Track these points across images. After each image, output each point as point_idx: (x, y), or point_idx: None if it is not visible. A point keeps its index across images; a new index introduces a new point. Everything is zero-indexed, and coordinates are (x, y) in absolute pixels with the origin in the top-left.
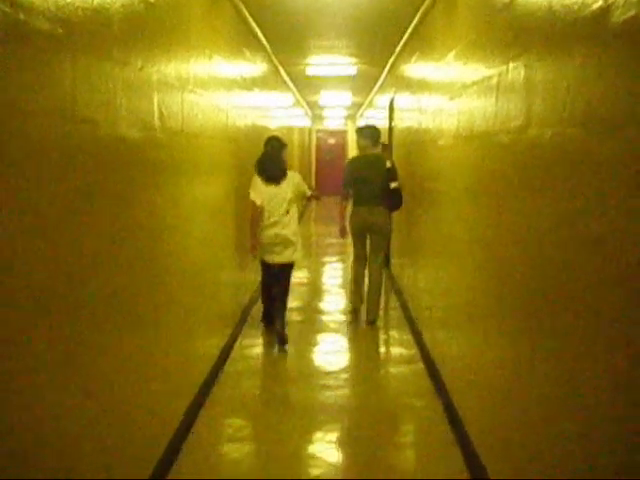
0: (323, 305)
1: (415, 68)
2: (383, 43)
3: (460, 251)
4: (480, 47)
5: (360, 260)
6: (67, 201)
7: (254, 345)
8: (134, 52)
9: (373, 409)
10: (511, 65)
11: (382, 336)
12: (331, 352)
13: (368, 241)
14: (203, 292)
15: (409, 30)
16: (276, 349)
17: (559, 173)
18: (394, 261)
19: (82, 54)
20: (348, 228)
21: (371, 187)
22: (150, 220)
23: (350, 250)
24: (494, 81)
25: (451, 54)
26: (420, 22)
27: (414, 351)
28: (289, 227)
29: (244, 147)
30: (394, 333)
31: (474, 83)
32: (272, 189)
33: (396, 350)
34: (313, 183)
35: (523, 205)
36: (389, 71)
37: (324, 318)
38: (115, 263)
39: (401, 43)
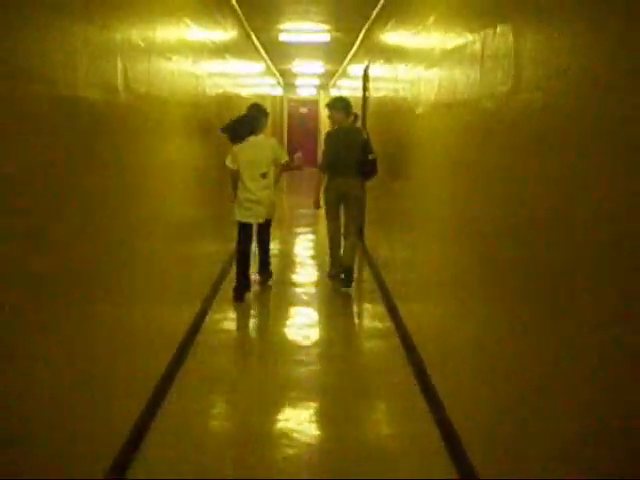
0: (296, 277)
1: (391, 35)
2: (357, 9)
3: (440, 224)
4: (462, 11)
5: (336, 228)
6: (22, 170)
7: (226, 319)
8: (96, 9)
9: (347, 386)
10: (499, 29)
11: (356, 309)
12: (305, 326)
13: (342, 212)
14: (177, 259)
15: None
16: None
17: (550, 140)
18: (369, 234)
19: (38, 8)
20: (323, 199)
21: (347, 159)
22: (118, 183)
23: (323, 222)
24: (477, 46)
25: (431, 19)
26: None
27: (389, 324)
28: (266, 190)
29: (215, 114)
30: (368, 306)
31: (456, 49)
32: (247, 152)
33: (370, 324)
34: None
35: (510, 174)
36: (363, 39)
37: (297, 290)
38: (82, 231)
39: (376, 9)
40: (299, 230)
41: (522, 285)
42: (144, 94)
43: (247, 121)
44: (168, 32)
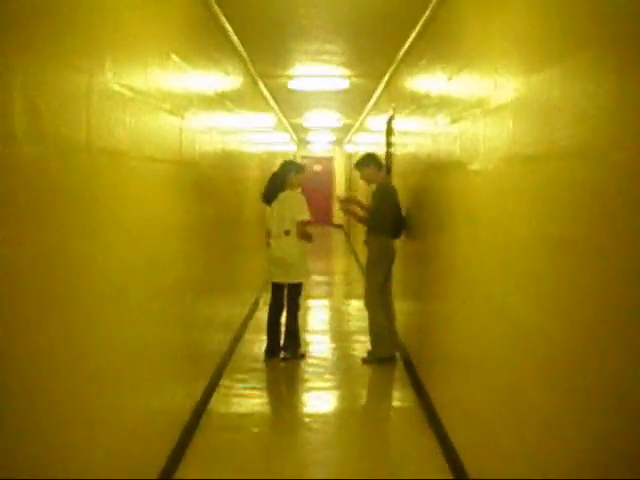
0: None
1: (424, 77)
2: (381, 49)
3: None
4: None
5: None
6: None
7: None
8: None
9: None
10: None
11: None
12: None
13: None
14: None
15: (417, 29)
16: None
17: None
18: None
19: None
20: (379, 263)
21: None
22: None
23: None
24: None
25: (488, 45)
26: (432, 18)
27: None
28: (286, 248)
29: (210, 175)
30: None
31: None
32: (273, 209)
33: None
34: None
35: None
36: (387, 85)
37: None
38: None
39: (404, 48)
40: (314, 303)
41: None
42: (79, 145)
43: (273, 179)
44: (152, 74)
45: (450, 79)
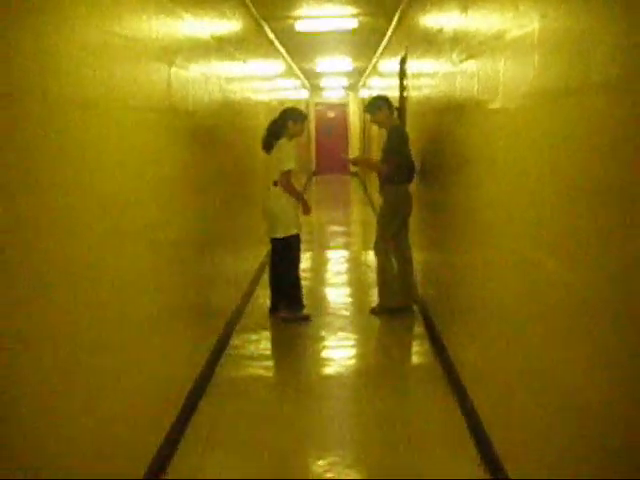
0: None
1: (438, 11)
2: None
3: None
4: None
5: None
6: None
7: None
8: None
9: None
10: None
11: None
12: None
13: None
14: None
15: None
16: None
17: None
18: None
19: None
20: (396, 210)
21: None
22: None
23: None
24: None
25: None
26: None
27: None
28: (273, 199)
29: (209, 125)
30: None
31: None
32: (268, 159)
33: None
34: (313, 162)
35: None
36: (399, 22)
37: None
38: None
39: None
40: (331, 254)
41: None
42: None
43: (271, 127)
44: (132, 15)
45: (465, 11)
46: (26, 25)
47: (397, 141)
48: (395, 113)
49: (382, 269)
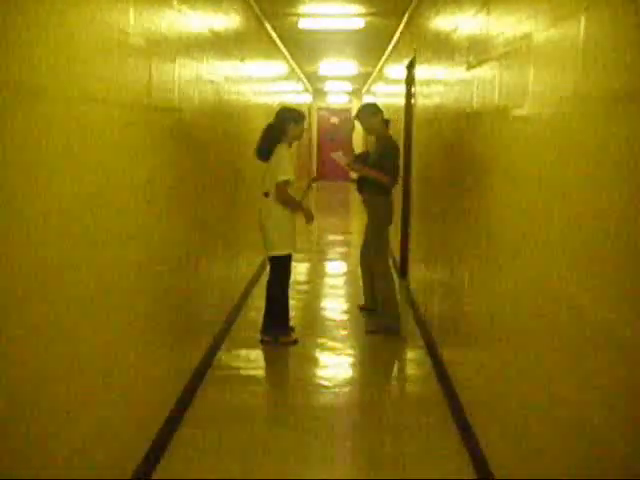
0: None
1: (452, 10)
2: None
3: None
4: None
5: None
6: None
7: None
8: None
9: None
10: None
11: None
12: None
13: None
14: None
15: None
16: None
17: None
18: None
19: None
20: (383, 219)
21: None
22: None
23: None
24: None
25: None
26: None
27: None
28: (264, 213)
29: (204, 124)
30: None
31: None
32: (264, 168)
33: None
34: (314, 168)
35: None
36: (408, 23)
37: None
38: None
39: None
40: (329, 265)
41: None
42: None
43: (268, 131)
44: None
45: (486, 8)
46: None
47: (393, 152)
48: (389, 124)
49: (386, 287)
